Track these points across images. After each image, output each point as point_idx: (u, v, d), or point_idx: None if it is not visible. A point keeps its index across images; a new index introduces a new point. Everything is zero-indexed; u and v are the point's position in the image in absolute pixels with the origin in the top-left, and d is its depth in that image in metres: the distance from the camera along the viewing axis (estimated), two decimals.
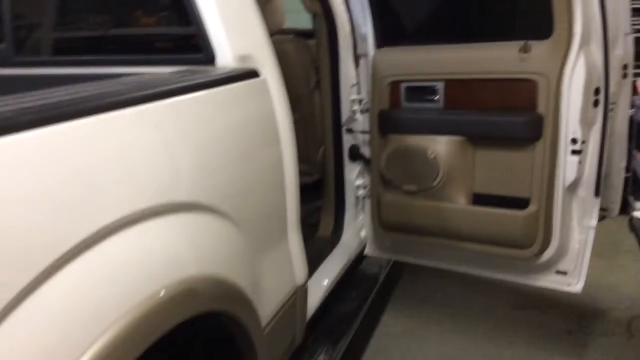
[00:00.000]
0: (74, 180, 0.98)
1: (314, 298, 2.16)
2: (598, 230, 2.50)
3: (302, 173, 3.06)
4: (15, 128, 0.90)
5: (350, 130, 2.60)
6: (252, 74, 1.58)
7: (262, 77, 1.61)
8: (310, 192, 2.99)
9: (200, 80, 1.36)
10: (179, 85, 1.29)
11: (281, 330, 1.73)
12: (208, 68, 1.53)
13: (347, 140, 2.63)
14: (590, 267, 2.92)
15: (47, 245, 0.93)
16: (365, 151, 2.57)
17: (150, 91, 1.20)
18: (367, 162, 2.55)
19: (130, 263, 1.09)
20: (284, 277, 1.75)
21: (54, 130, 0.96)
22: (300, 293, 1.83)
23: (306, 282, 1.87)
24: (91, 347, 0.96)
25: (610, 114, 2.48)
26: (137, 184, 1.11)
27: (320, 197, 2.78)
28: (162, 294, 1.12)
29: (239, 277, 1.41)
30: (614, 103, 2.55)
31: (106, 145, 1.06)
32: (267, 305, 1.60)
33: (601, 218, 2.85)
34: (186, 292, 1.19)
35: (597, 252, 3.35)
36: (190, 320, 1.21)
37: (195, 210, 1.27)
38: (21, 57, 1.86)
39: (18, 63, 1.85)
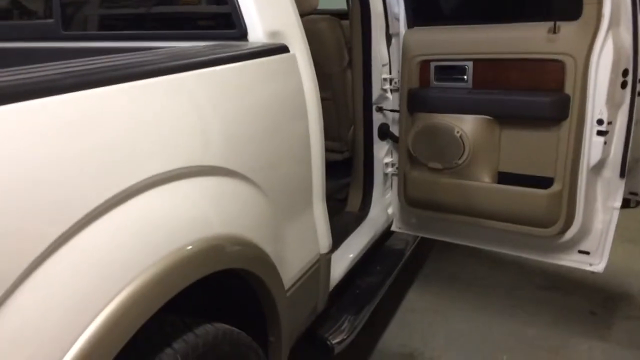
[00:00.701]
0: (111, 140, 1.07)
1: (339, 269, 2.25)
2: (630, 216, 2.50)
3: (332, 151, 3.17)
4: (60, 89, 1.00)
5: (380, 109, 2.66)
6: (282, 49, 1.65)
7: (291, 52, 1.68)
8: (340, 169, 3.07)
9: (232, 53, 1.45)
10: (211, 57, 1.38)
11: (304, 296, 1.82)
12: (240, 43, 1.62)
13: (377, 119, 2.68)
14: (619, 252, 2.93)
15: (86, 198, 1.01)
16: (395, 130, 2.62)
17: (184, 61, 1.29)
18: (396, 140, 2.61)
19: (161, 218, 1.17)
20: (307, 245, 1.83)
21: (95, 93, 1.05)
22: (323, 261, 1.92)
23: (330, 251, 1.95)
24: (121, 293, 1.05)
25: None
26: (168, 146, 1.20)
27: (349, 174, 2.85)
28: (189, 248, 1.21)
29: (262, 240, 1.50)
30: None
31: (141, 109, 1.16)
32: (291, 269, 1.69)
33: (635, 204, 2.85)
34: (212, 249, 1.28)
35: (628, 237, 3.37)
36: (217, 279, 1.31)
37: (222, 175, 1.36)
38: (68, 32, 1.99)
39: (65, 37, 1.98)
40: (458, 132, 2.23)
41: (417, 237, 2.85)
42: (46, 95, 0.97)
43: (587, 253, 2.22)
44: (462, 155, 2.25)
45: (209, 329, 1.28)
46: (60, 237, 0.96)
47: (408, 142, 2.39)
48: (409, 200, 2.49)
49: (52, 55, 1.46)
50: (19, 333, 0.91)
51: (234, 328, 1.38)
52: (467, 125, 2.23)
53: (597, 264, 2.21)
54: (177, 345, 1.19)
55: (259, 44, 1.61)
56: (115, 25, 2.03)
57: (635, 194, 2.68)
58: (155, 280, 1.12)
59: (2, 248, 0.88)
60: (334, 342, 2.08)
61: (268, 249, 1.52)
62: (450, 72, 2.28)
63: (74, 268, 0.99)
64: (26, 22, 2.24)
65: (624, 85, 2.02)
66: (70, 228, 0.98)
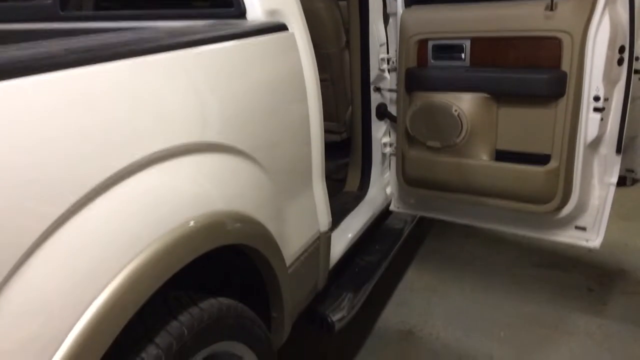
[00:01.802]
0: (112, 116, 1.08)
1: (338, 247, 2.27)
2: (626, 194, 2.52)
3: (330, 131, 3.18)
4: (61, 66, 1.00)
5: (378, 89, 2.66)
6: (281, 27, 1.66)
7: (290, 31, 1.69)
8: (338, 149, 3.08)
9: (231, 31, 1.46)
10: (210, 35, 1.39)
11: (305, 272, 1.85)
12: (239, 21, 1.62)
13: (375, 99, 2.69)
14: (616, 230, 2.96)
15: (88, 175, 1.02)
16: (392, 109, 2.63)
17: (184, 39, 1.30)
18: (393, 120, 2.61)
19: (163, 194, 1.19)
20: (308, 223, 1.85)
21: (95, 70, 1.06)
22: (323, 239, 1.94)
23: (329, 229, 1.97)
24: (126, 267, 1.07)
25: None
26: (169, 122, 1.21)
27: (348, 154, 2.87)
28: (191, 223, 1.23)
29: (264, 217, 1.51)
30: None
31: (142, 85, 1.16)
32: (292, 246, 1.71)
33: (632, 182, 2.88)
34: (215, 224, 1.30)
35: (624, 215, 3.41)
36: (221, 255, 1.33)
37: (223, 152, 1.38)
38: (66, 12, 1.99)
39: (63, 17, 1.98)
40: (456, 110, 2.24)
41: (416, 216, 2.87)
42: (47, 72, 0.98)
43: (584, 229, 2.25)
44: (460, 134, 2.26)
45: (213, 303, 1.30)
46: (63, 214, 0.98)
47: (406, 121, 2.40)
48: (408, 180, 2.51)
49: (51, 36, 1.46)
50: (26, 308, 0.93)
51: (238, 302, 1.40)
52: (464, 103, 2.24)
53: (593, 240, 2.23)
54: (183, 318, 1.21)
55: (258, 22, 1.61)
56: (113, 5, 2.02)
57: (631, 171, 2.71)
58: (159, 255, 1.14)
59: (7, 226, 0.90)
60: (334, 319, 2.11)
61: (270, 226, 1.54)
62: (448, 50, 2.28)
63: (79, 244, 1.01)
64: (23, 3, 2.23)
65: (620, 62, 2.03)
66: (73, 205, 0.99)
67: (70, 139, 0.99)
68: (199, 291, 1.34)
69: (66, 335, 0.97)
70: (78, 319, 0.99)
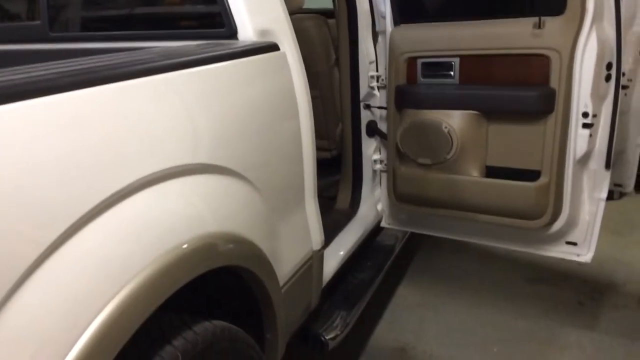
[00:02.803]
0: (103, 140, 1.07)
1: (331, 266, 2.26)
2: (614, 208, 2.55)
3: (321, 149, 3.18)
4: (53, 90, 0.99)
5: (368, 106, 2.68)
6: (272, 47, 1.66)
7: (281, 50, 1.69)
8: (329, 167, 3.08)
9: (223, 52, 1.45)
10: (202, 56, 1.39)
11: (298, 292, 1.83)
12: (231, 41, 1.62)
13: (365, 116, 2.70)
14: (605, 244, 2.98)
15: (78, 200, 1.01)
16: (383, 126, 2.64)
17: (175, 60, 1.29)
18: (384, 137, 2.62)
19: (155, 218, 1.17)
20: (301, 241, 1.85)
21: (86, 93, 1.05)
22: (316, 258, 1.93)
23: (322, 248, 1.97)
24: (120, 292, 1.05)
25: (626, 90, 2.52)
26: (161, 145, 1.20)
27: (338, 172, 2.87)
28: (185, 246, 1.22)
29: (257, 237, 1.50)
30: (630, 80, 2.58)
31: (133, 108, 1.15)
32: (285, 265, 1.70)
33: (619, 195, 2.90)
34: (207, 246, 1.29)
35: (612, 229, 3.43)
36: (214, 277, 1.31)
37: (215, 173, 1.37)
38: (56, 33, 1.98)
39: (53, 39, 1.97)
40: (446, 127, 2.26)
41: (407, 232, 2.87)
42: (38, 96, 0.97)
43: (575, 244, 2.26)
44: (450, 150, 2.27)
45: (207, 326, 1.29)
46: (57, 239, 0.96)
47: (396, 138, 2.41)
48: (399, 196, 2.51)
49: (40, 57, 1.45)
50: (20, 334, 0.92)
51: (231, 325, 1.39)
52: (454, 120, 2.25)
53: (584, 255, 2.25)
54: (177, 342, 1.19)
55: (249, 43, 1.61)
56: (103, 26, 2.02)
57: (619, 185, 2.74)
58: (152, 279, 1.12)
59: (1, 250, 0.88)
60: (327, 337, 2.09)
61: (263, 245, 1.53)
62: (437, 68, 2.30)
63: (73, 269, 0.99)
64: (12, 24, 2.22)
65: (608, 78, 2.06)
66: (66, 230, 0.98)
67: (61, 164, 0.98)
68: (192, 313, 1.33)
69: None
70: (73, 344, 0.97)
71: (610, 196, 2.38)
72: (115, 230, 1.08)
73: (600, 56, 2.01)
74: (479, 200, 2.28)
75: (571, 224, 2.21)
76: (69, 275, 0.99)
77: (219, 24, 1.66)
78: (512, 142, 2.19)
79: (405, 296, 2.99)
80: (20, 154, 0.92)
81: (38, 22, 2.01)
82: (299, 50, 1.76)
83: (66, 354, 0.96)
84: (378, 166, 2.74)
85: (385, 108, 2.56)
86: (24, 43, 2.01)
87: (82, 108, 1.04)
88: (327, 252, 2.20)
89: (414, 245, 3.46)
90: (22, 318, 0.92)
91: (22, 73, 1.07)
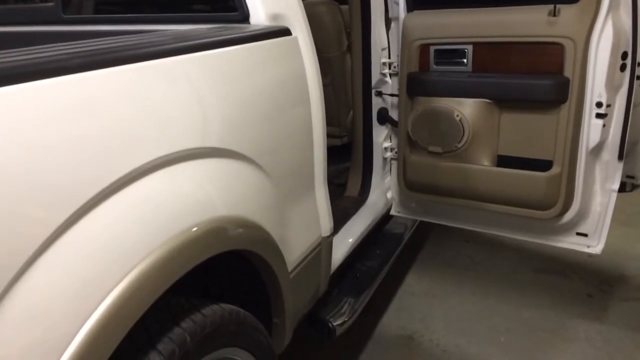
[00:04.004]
0: (115, 122, 1.07)
1: (339, 252, 2.26)
2: (626, 200, 2.52)
3: (332, 136, 3.17)
4: (65, 70, 0.99)
5: (379, 93, 2.66)
6: (284, 31, 1.65)
7: (293, 35, 1.68)
8: (339, 154, 3.08)
9: (235, 36, 1.45)
10: (215, 39, 1.38)
11: (306, 277, 1.84)
12: (242, 25, 1.62)
13: (376, 104, 2.69)
14: (616, 236, 2.96)
15: (89, 181, 1.01)
16: (394, 114, 2.63)
17: (188, 43, 1.29)
18: (395, 124, 2.61)
19: (165, 200, 1.18)
20: (310, 227, 1.85)
21: (100, 75, 1.05)
22: (325, 244, 1.93)
23: (331, 234, 1.97)
24: (129, 274, 1.06)
25: None
26: (172, 127, 1.20)
27: (349, 159, 2.86)
28: (194, 229, 1.22)
29: (266, 222, 1.50)
30: None
31: (145, 90, 1.16)
32: (294, 251, 1.71)
33: (631, 187, 2.87)
34: (216, 230, 1.29)
35: (624, 221, 3.41)
36: (223, 260, 1.32)
37: (226, 157, 1.37)
38: (69, 15, 1.98)
39: (66, 21, 1.97)
40: (458, 115, 2.24)
41: (416, 221, 2.87)
42: (51, 77, 0.97)
43: (585, 235, 2.24)
44: (461, 139, 2.26)
45: (215, 309, 1.29)
46: (66, 221, 0.97)
47: (408, 126, 2.40)
48: (409, 185, 2.51)
49: (53, 39, 1.45)
50: (29, 315, 0.92)
51: (240, 309, 1.39)
52: (466, 108, 2.24)
53: (595, 246, 2.23)
54: (185, 324, 1.20)
55: (261, 27, 1.60)
56: (116, 8, 2.02)
57: (632, 177, 2.71)
58: (161, 262, 1.13)
59: (9, 233, 0.89)
60: (335, 324, 2.10)
61: (272, 231, 1.53)
62: (450, 55, 2.28)
63: (82, 250, 1.00)
64: (25, 6, 2.22)
65: (623, 68, 2.03)
66: (76, 212, 0.99)
67: (72, 145, 0.99)
68: (200, 296, 1.33)
69: (69, 342, 0.96)
70: (81, 325, 0.98)
71: (622, 188, 2.36)
72: (125, 212, 1.09)
73: (615, 45, 1.98)
74: (489, 190, 2.27)
75: (582, 215, 2.20)
76: (79, 256, 0.99)
77: (231, 7, 1.65)
78: (524, 131, 2.17)
79: (413, 284, 2.99)
80: (30, 134, 0.92)
81: (51, 4, 2.01)
82: (311, 36, 1.75)
83: (75, 335, 0.97)
84: (388, 154, 2.73)
85: (396, 95, 2.54)
86: (37, 25, 2.02)
87: (93, 89, 1.04)
88: (336, 239, 2.20)
89: (423, 233, 3.45)
90: (32, 298, 0.92)
91: (34, 53, 1.07)
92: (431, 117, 2.32)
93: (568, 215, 2.18)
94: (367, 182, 2.76)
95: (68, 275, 0.98)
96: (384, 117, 2.67)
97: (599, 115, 2.03)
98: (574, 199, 2.14)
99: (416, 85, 2.37)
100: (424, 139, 2.37)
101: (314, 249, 1.86)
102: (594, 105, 2.03)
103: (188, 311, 1.24)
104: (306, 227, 1.82)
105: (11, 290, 0.89)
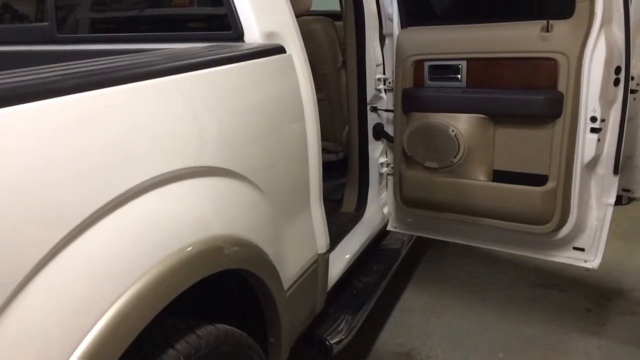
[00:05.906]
0: (110, 142, 1.07)
1: (336, 269, 2.25)
2: (623, 213, 2.52)
3: (327, 151, 3.17)
4: (60, 92, 0.99)
5: (374, 109, 2.67)
6: (279, 49, 1.66)
7: (288, 52, 1.69)
8: (335, 169, 3.08)
9: (229, 54, 1.45)
10: (209, 58, 1.38)
11: (303, 295, 1.83)
12: (237, 44, 1.62)
13: (372, 119, 2.69)
14: (613, 249, 2.95)
15: (83, 201, 1.00)
16: (389, 129, 2.63)
17: (182, 63, 1.29)
18: (390, 140, 2.61)
19: (160, 220, 1.18)
20: (306, 245, 1.84)
21: (94, 95, 1.05)
22: (321, 261, 1.92)
23: (328, 251, 1.96)
24: (124, 295, 1.05)
25: (635, 94, 2.50)
26: (167, 147, 1.20)
27: (344, 174, 2.86)
28: (189, 249, 1.21)
29: (262, 240, 1.50)
30: (639, 84, 2.55)
31: (140, 110, 1.16)
32: (290, 269, 1.70)
33: (628, 201, 2.87)
34: (212, 250, 1.29)
35: (621, 235, 3.40)
36: (218, 280, 1.31)
37: (221, 176, 1.37)
38: (64, 35, 1.98)
39: (61, 40, 1.97)
40: (453, 130, 2.24)
41: (413, 236, 2.86)
42: (46, 98, 0.97)
43: (582, 250, 2.24)
44: (457, 154, 2.26)
45: (210, 330, 1.28)
46: (60, 241, 0.96)
47: (403, 141, 2.40)
48: (405, 200, 2.50)
49: (48, 59, 1.45)
50: (23, 336, 0.91)
51: (235, 329, 1.38)
52: (461, 124, 2.24)
53: (592, 261, 2.23)
54: (180, 346, 1.19)
55: (256, 45, 1.61)
56: (111, 27, 2.02)
57: (627, 190, 2.71)
58: (156, 282, 1.12)
59: (4, 251, 0.88)
60: (332, 342, 2.08)
61: (268, 249, 1.53)
62: (444, 71, 2.29)
63: (76, 271, 0.99)
64: (20, 26, 2.23)
65: (616, 82, 2.04)
66: (70, 232, 0.98)
67: (67, 166, 0.98)
68: (195, 316, 1.32)
69: None
70: (76, 346, 0.97)
71: (619, 201, 2.36)
72: (120, 232, 1.08)
73: (608, 60, 1.99)
74: (485, 205, 2.26)
75: (579, 229, 2.19)
76: (73, 276, 0.99)
77: (226, 26, 1.66)
78: (519, 146, 2.17)
79: (411, 300, 2.98)
80: (26, 155, 0.92)
81: (46, 23, 2.01)
82: (306, 53, 1.76)
83: (69, 356, 0.96)
84: (384, 169, 2.73)
85: (392, 111, 2.55)
86: (32, 44, 2.02)
87: (89, 110, 1.04)
88: (333, 256, 2.19)
89: (420, 249, 3.44)
90: (26, 319, 0.91)
91: (30, 75, 1.07)
92: (426, 132, 2.32)
93: (564, 230, 2.17)
94: (364, 198, 2.75)
95: (61, 295, 0.97)
96: (379, 133, 2.68)
97: (593, 130, 2.03)
98: (570, 213, 2.14)
99: (411, 100, 2.38)
100: (420, 154, 2.37)
101: (310, 266, 1.85)
102: (589, 120, 2.04)
103: (183, 332, 1.23)
104: (302, 244, 1.81)
105: (5, 312, 0.89)
